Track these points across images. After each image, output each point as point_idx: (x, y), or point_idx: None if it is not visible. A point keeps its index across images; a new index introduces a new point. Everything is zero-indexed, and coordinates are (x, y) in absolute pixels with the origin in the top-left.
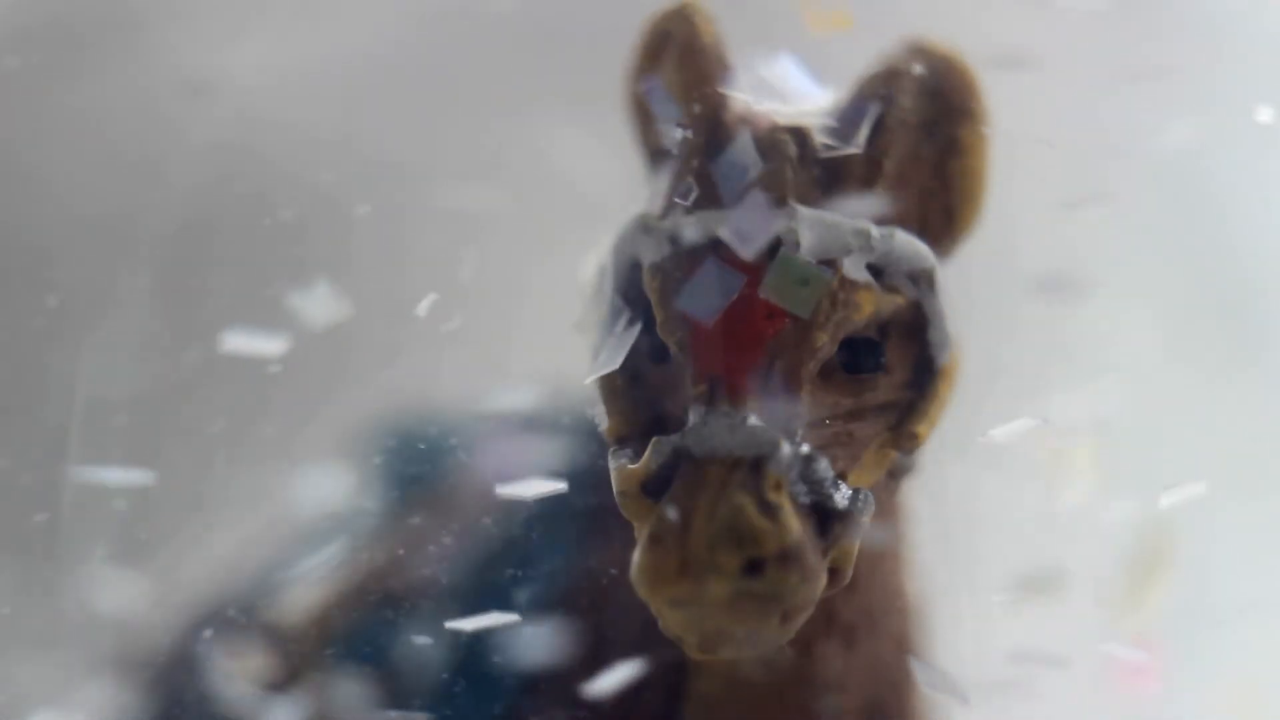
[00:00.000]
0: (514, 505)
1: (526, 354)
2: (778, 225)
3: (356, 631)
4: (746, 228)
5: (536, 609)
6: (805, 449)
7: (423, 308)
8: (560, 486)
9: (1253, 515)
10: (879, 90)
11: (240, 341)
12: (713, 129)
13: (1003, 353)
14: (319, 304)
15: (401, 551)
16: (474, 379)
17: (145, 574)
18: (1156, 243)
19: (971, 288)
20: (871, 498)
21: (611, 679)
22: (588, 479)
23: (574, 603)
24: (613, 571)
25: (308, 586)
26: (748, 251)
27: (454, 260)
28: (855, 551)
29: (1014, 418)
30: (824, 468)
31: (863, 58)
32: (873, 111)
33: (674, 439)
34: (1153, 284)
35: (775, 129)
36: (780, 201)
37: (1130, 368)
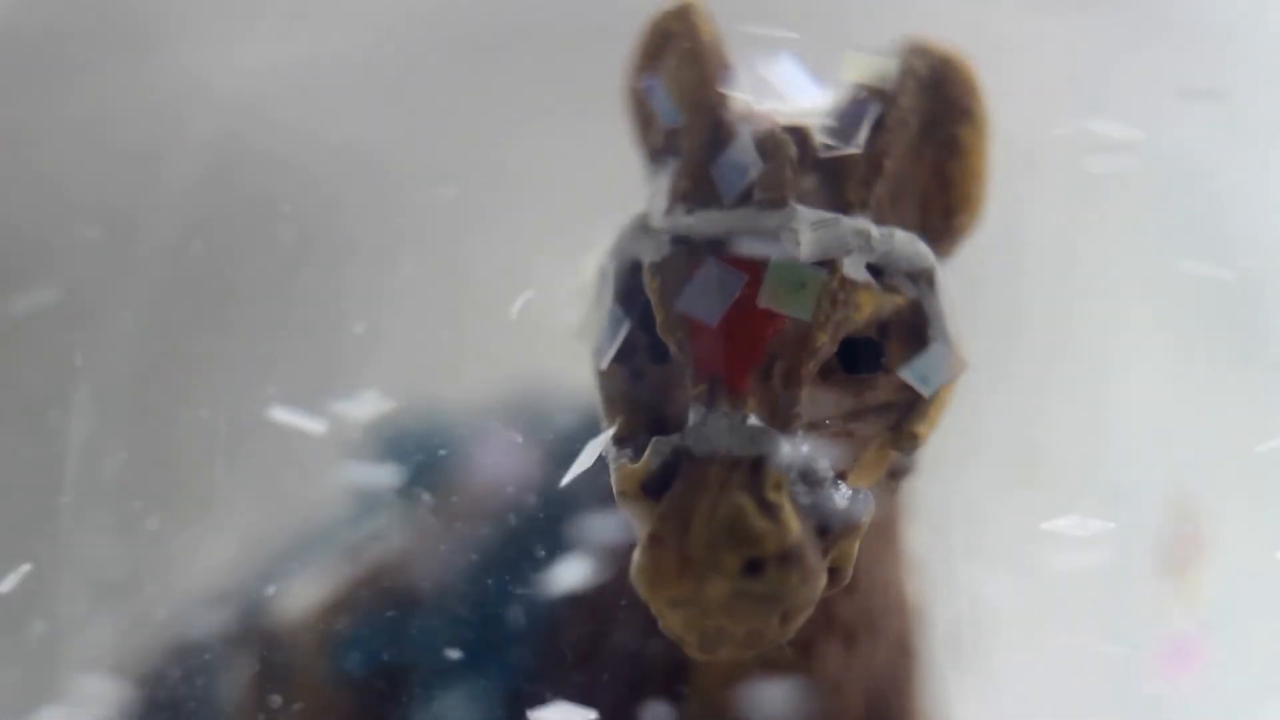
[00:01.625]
0: (514, 505)
1: (526, 353)
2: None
3: (357, 632)
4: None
5: (536, 609)
6: (805, 449)
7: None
8: (590, 716)
9: (1253, 515)
10: (879, 90)
11: (285, 417)
12: (713, 129)
13: (1004, 354)
14: (362, 407)
15: (402, 551)
16: (472, 378)
17: (146, 574)
18: (1157, 243)
19: (973, 288)
20: (871, 498)
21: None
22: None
23: (574, 602)
24: (612, 572)
25: (308, 587)
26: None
27: (453, 259)
28: (855, 551)
29: (1014, 422)
30: (824, 468)
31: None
32: (873, 111)
33: (674, 439)
34: (1154, 284)
35: (775, 129)
36: (780, 201)
37: (1131, 368)
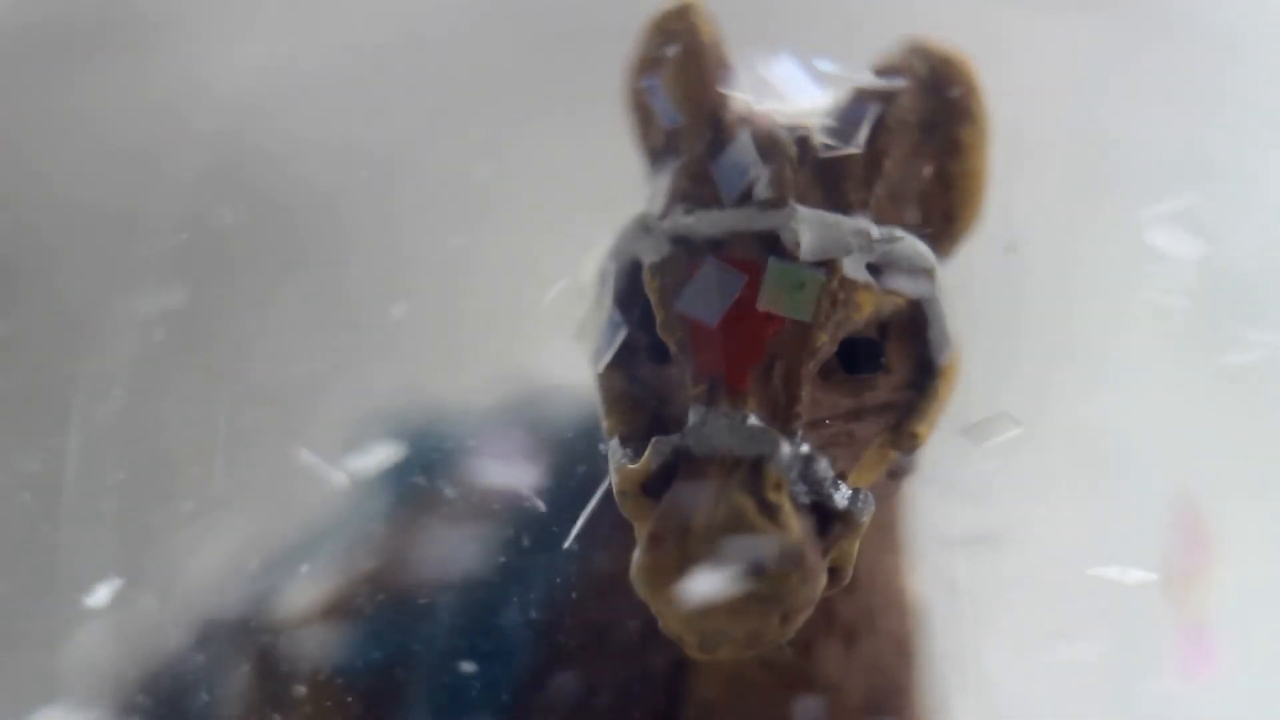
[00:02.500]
0: (513, 505)
1: (526, 352)
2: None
3: (358, 631)
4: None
5: (537, 608)
6: (805, 449)
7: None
8: None
9: (1253, 515)
10: (879, 90)
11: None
12: (713, 129)
13: (1004, 354)
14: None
15: (403, 551)
16: (472, 378)
17: (147, 574)
18: (1156, 243)
19: (973, 288)
20: (871, 498)
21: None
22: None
23: (574, 602)
24: (612, 571)
25: (308, 587)
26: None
27: (453, 259)
28: (855, 551)
29: (1013, 417)
30: (824, 468)
31: (863, 58)
32: (873, 111)
33: (674, 439)
34: (1154, 284)
35: (775, 129)
36: (780, 201)
37: (1131, 369)
